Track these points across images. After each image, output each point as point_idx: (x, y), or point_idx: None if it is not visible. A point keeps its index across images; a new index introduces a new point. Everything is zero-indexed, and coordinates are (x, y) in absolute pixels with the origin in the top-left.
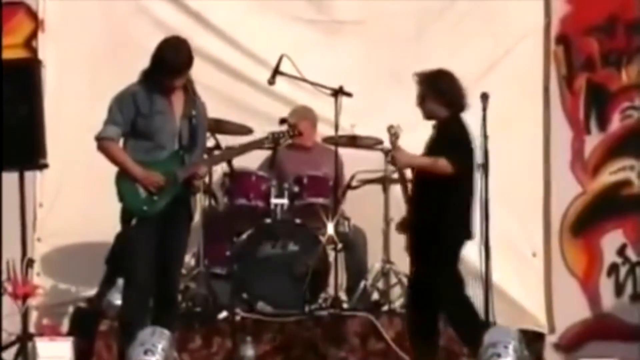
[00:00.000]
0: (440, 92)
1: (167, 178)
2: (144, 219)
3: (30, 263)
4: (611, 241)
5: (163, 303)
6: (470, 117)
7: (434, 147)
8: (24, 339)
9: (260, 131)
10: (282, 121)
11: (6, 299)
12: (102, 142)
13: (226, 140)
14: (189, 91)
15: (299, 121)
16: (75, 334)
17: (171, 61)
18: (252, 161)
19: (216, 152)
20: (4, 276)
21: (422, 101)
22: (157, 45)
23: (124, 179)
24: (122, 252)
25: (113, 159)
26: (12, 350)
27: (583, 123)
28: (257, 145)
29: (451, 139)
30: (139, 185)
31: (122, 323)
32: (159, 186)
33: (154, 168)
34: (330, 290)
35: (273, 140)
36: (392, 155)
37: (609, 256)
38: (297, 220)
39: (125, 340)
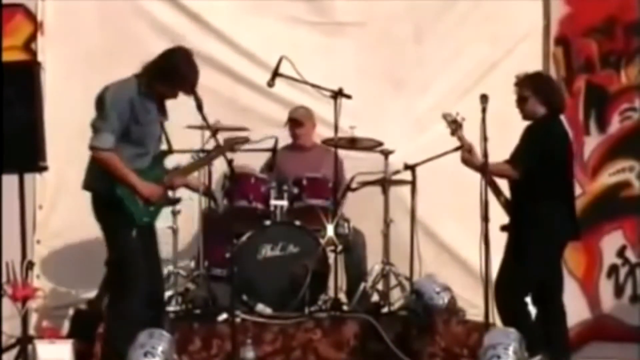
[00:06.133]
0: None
1: (165, 188)
2: (143, 230)
3: (30, 265)
4: (611, 242)
5: (152, 303)
6: (470, 119)
7: None
8: (24, 341)
9: (259, 133)
10: (292, 121)
11: (6, 302)
12: (101, 154)
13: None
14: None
15: (304, 121)
16: (75, 336)
17: (188, 76)
18: (252, 163)
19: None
20: (4, 278)
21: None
22: (167, 57)
23: (123, 188)
24: (122, 260)
25: (114, 172)
26: (12, 353)
27: (582, 124)
28: (207, 160)
29: (521, 141)
30: (137, 196)
31: (123, 332)
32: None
33: (144, 176)
34: (330, 292)
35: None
36: (462, 156)
37: (609, 257)
38: (297, 222)
39: (124, 347)
